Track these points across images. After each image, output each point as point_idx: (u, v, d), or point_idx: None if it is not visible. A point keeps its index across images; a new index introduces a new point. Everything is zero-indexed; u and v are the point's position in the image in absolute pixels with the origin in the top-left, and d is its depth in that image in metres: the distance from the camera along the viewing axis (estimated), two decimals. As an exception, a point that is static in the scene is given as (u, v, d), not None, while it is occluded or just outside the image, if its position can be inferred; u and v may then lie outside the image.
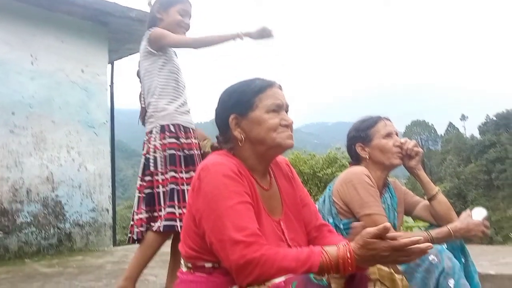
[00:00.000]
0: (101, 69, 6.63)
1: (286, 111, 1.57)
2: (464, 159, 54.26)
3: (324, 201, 2.26)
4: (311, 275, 1.20)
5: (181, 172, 2.59)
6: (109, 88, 7.31)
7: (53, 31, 6.05)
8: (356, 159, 2.28)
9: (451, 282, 1.80)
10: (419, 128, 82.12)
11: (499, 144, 50.13)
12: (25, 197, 5.57)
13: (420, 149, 2.23)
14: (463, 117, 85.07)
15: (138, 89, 2.88)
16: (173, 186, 2.55)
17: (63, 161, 5.99)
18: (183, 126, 2.69)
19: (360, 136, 2.24)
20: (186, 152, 2.65)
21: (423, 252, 1.28)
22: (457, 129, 77.84)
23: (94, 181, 6.30)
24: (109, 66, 7.49)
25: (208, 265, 1.43)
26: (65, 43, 6.19)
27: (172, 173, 2.57)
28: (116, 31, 6.64)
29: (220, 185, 1.37)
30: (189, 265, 1.48)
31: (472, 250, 3.43)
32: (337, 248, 1.29)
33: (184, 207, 2.53)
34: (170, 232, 2.61)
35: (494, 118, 54.51)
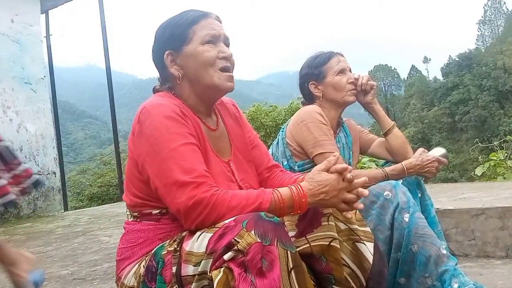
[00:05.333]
0: (34, 18, 6.31)
1: (227, 45, 1.53)
2: (427, 103, 55.86)
3: (277, 143, 2.28)
4: (262, 213, 1.21)
5: None
6: (44, 40, 6.99)
7: (-26, -23, 5.69)
8: (309, 98, 2.29)
9: (406, 217, 1.83)
10: (382, 73, 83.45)
11: (462, 86, 51.73)
12: (-40, 163, 5.37)
13: (374, 82, 2.25)
14: (426, 59, 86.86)
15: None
16: None
17: (-1, 122, 5.77)
18: None
19: (313, 73, 2.24)
20: None
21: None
22: (420, 72, 79.53)
23: (37, 142, 6.12)
24: (44, 16, 7.13)
25: (155, 211, 1.43)
26: (-10, -10, 5.82)
27: None
28: (47, -25, 6.30)
29: (162, 127, 1.36)
30: (135, 214, 1.48)
31: (432, 188, 3.59)
32: (288, 188, 1.33)
33: None
34: None
35: (457, 59, 55.81)
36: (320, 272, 1.39)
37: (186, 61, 1.48)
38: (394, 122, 2.28)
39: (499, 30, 79.67)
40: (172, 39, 1.49)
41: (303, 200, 1.31)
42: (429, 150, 2.29)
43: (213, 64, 1.47)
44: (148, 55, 1.58)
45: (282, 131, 2.28)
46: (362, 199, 1.86)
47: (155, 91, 1.58)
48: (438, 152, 2.27)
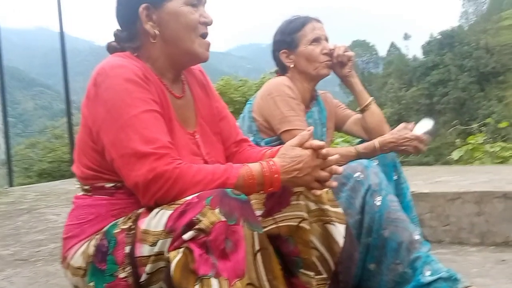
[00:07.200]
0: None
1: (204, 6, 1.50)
2: (405, 83, 56.51)
3: (244, 117, 2.24)
4: (229, 190, 1.18)
5: None
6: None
7: None
8: (282, 68, 2.25)
9: (378, 200, 1.81)
10: (360, 49, 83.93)
11: (442, 65, 52.43)
12: None
13: (351, 53, 2.21)
14: (406, 36, 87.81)
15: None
16: None
17: None
18: None
19: (285, 41, 2.19)
20: None
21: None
22: (399, 49, 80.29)
23: (-21, 110, 5.92)
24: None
25: (109, 185, 1.39)
26: None
27: None
28: None
29: (122, 91, 1.31)
30: (86, 187, 1.44)
31: (408, 170, 3.64)
32: (259, 163, 1.30)
33: None
34: None
35: (439, 37, 56.38)
36: (287, 254, 1.39)
37: (166, 19, 1.42)
38: (372, 97, 2.26)
39: (484, 8, 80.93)
40: None
41: (275, 176, 1.29)
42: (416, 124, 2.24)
43: (195, 29, 1.44)
44: (108, 19, 1.51)
45: (249, 104, 2.25)
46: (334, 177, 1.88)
47: (111, 50, 1.52)
48: (424, 126, 2.22)
